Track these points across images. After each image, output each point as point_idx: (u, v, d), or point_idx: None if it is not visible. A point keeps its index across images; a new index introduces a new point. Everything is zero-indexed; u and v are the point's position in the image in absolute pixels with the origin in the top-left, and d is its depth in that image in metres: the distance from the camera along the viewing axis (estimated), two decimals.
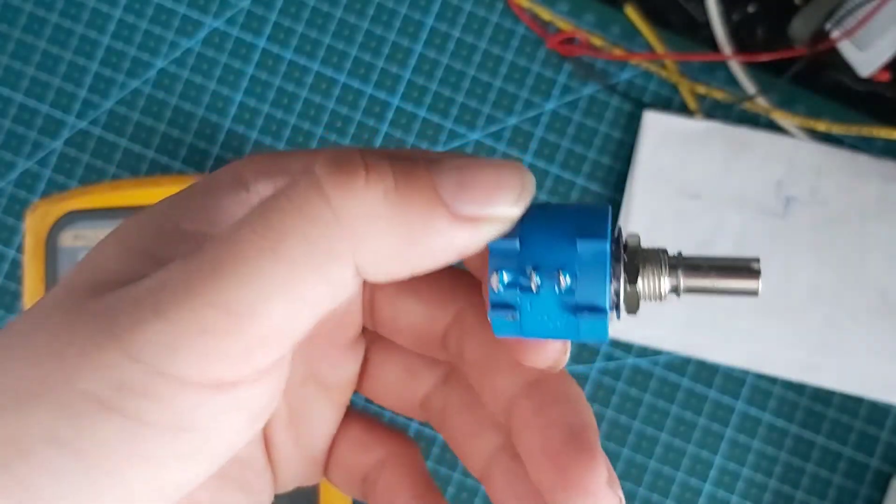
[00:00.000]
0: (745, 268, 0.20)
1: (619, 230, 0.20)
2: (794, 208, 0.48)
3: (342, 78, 0.49)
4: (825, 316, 0.47)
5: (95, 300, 0.19)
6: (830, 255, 0.47)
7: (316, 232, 0.18)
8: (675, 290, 0.20)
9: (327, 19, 0.49)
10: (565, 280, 0.19)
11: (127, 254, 0.20)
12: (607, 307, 0.19)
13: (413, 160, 0.19)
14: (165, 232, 0.20)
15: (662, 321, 0.47)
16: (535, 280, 0.19)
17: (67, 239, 0.43)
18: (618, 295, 0.19)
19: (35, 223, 0.43)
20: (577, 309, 0.19)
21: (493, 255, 0.19)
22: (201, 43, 0.49)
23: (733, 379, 0.48)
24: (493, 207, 0.19)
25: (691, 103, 0.49)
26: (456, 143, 0.49)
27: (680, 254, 0.20)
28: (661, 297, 0.20)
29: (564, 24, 0.49)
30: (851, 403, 0.48)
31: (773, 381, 0.48)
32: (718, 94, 0.48)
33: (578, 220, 0.19)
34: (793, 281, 0.47)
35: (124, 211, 0.44)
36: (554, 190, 0.49)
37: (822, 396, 0.48)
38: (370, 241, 0.18)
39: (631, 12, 0.49)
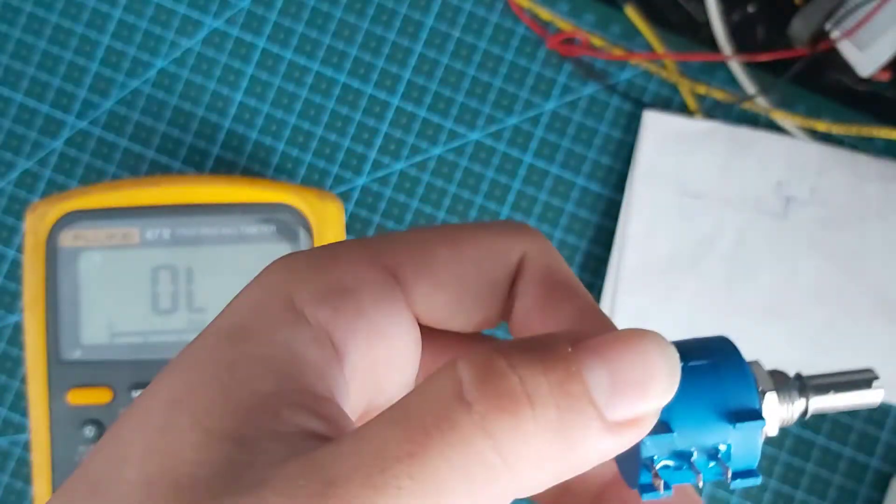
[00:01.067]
0: (864, 382, 0.20)
1: (751, 370, 0.20)
2: (794, 208, 0.48)
3: (342, 78, 0.49)
4: (825, 316, 0.47)
5: None
6: (830, 255, 0.47)
7: (482, 479, 0.16)
8: (803, 414, 0.20)
9: (327, 19, 0.49)
10: (722, 462, 0.19)
11: (209, 440, 0.17)
12: (757, 469, 0.19)
13: (562, 359, 0.17)
14: (244, 405, 0.17)
15: (663, 321, 0.47)
16: (694, 464, 0.19)
17: (67, 239, 0.43)
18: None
19: (35, 223, 0.43)
20: (733, 475, 0.19)
21: (647, 446, 0.19)
22: (201, 43, 0.49)
23: None
24: (649, 403, 0.17)
25: (691, 103, 0.49)
26: (456, 143, 0.49)
27: (799, 376, 0.20)
28: (791, 423, 0.20)
29: (564, 24, 0.49)
30: None
31: None
32: (718, 94, 0.48)
33: (725, 389, 0.19)
34: (793, 281, 0.47)
35: (124, 211, 0.44)
36: (554, 190, 0.49)
37: None
38: (533, 472, 0.17)
39: (631, 12, 0.49)
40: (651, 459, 0.19)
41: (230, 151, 0.49)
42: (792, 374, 0.21)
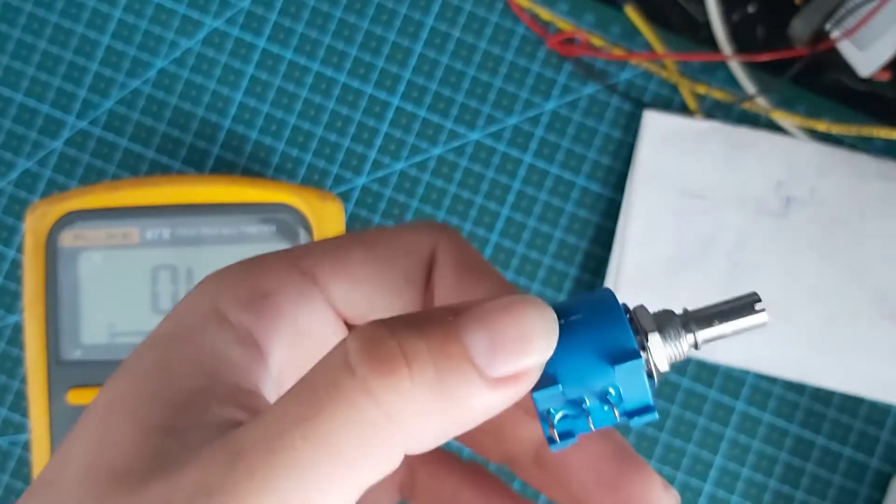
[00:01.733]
0: (748, 306, 0.21)
1: (627, 309, 0.21)
2: (794, 208, 0.48)
3: (342, 78, 0.49)
4: (825, 316, 0.47)
5: (126, 497, 0.18)
6: (830, 255, 0.47)
7: (369, 434, 0.18)
8: (694, 345, 0.21)
9: (327, 19, 0.49)
10: (613, 403, 0.20)
11: (141, 433, 0.19)
12: (652, 403, 0.20)
13: (444, 327, 0.19)
14: (174, 401, 0.20)
15: None
16: (587, 410, 0.20)
17: (67, 239, 0.43)
18: (651, 375, 0.21)
19: (35, 223, 0.43)
20: (628, 414, 0.20)
21: (538, 400, 0.20)
22: (201, 43, 0.49)
23: (733, 379, 0.48)
24: (527, 359, 0.19)
25: (691, 103, 0.49)
26: (456, 143, 0.49)
27: (685, 311, 0.21)
28: (683, 357, 0.21)
29: (564, 24, 0.49)
30: (851, 403, 0.48)
31: (773, 381, 0.48)
32: (718, 94, 0.48)
33: (603, 337, 0.20)
34: (793, 281, 0.47)
35: (124, 211, 0.44)
36: (554, 190, 0.49)
37: (822, 396, 0.48)
38: (420, 428, 0.19)
39: (631, 12, 0.49)
40: (547, 412, 0.20)
41: (230, 151, 0.49)
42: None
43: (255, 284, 0.22)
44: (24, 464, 0.48)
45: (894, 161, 0.48)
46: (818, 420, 0.48)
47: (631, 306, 0.21)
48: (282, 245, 0.44)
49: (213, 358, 0.20)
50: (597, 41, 0.49)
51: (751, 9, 0.49)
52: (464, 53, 0.49)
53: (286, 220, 0.44)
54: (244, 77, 0.49)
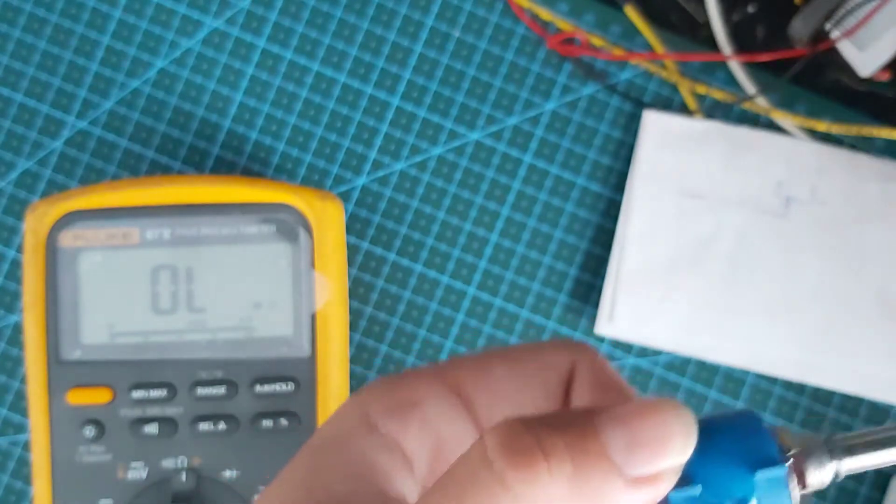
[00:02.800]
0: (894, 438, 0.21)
1: (772, 428, 0.21)
2: (794, 208, 0.48)
3: (342, 78, 0.49)
4: (825, 316, 0.47)
5: None
6: (830, 255, 0.47)
7: None
8: (836, 475, 0.21)
9: (327, 19, 0.49)
10: None
11: None
12: None
13: (582, 426, 0.19)
14: (322, 502, 0.21)
15: (662, 321, 0.47)
16: None
17: (67, 239, 0.43)
18: (792, 495, 0.20)
19: (35, 223, 0.43)
20: None
21: (674, 500, 0.20)
22: (201, 43, 0.49)
23: (733, 379, 0.48)
24: (666, 462, 0.19)
25: (691, 103, 0.49)
26: (456, 143, 0.49)
27: (829, 437, 0.21)
28: (824, 486, 0.21)
29: (564, 24, 0.49)
30: (851, 403, 0.48)
31: (773, 381, 0.48)
32: (718, 94, 0.48)
33: (745, 445, 0.20)
34: (793, 281, 0.47)
35: (124, 211, 0.44)
36: (554, 190, 0.49)
37: (822, 396, 0.48)
38: None
39: (631, 12, 0.49)
40: None
41: (230, 151, 0.49)
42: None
43: (402, 395, 0.23)
44: (24, 464, 0.48)
45: (894, 161, 0.48)
46: (818, 420, 0.48)
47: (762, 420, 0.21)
48: (282, 245, 0.44)
49: (362, 464, 0.21)
50: (597, 41, 0.49)
51: (751, 9, 0.49)
52: (464, 53, 0.49)
53: (286, 220, 0.44)
54: (244, 77, 0.49)
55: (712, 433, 0.20)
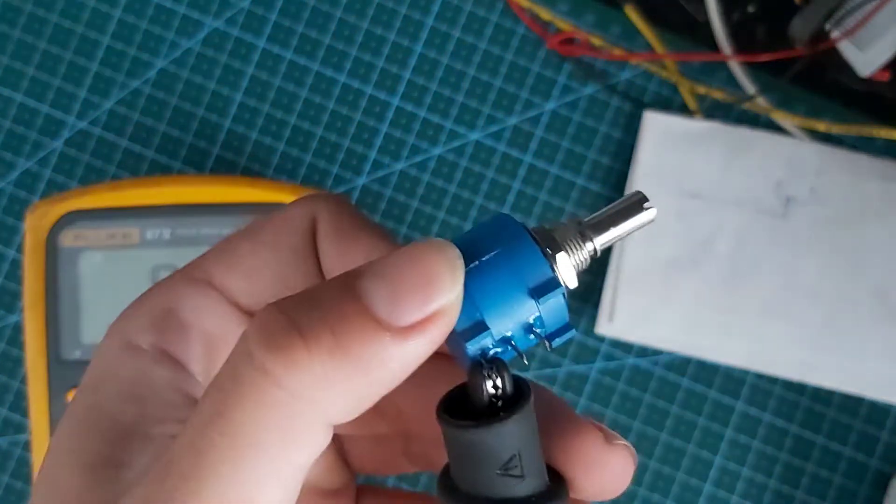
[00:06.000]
0: (636, 205, 0.21)
1: (527, 230, 0.21)
2: (794, 208, 0.48)
3: (342, 78, 0.49)
4: (825, 316, 0.47)
5: None
6: (830, 255, 0.47)
7: (281, 416, 0.18)
8: (594, 252, 0.21)
9: (327, 19, 0.49)
10: (539, 334, 0.20)
11: (84, 472, 0.20)
12: (570, 322, 0.21)
13: (339, 289, 0.18)
14: (112, 435, 0.20)
15: (662, 321, 0.47)
16: (513, 341, 0.20)
17: (67, 239, 0.43)
18: (565, 293, 0.21)
19: (35, 223, 0.43)
20: (549, 337, 0.20)
21: (470, 348, 0.20)
22: (201, 43, 0.49)
23: (733, 379, 0.48)
24: (435, 301, 0.18)
25: (691, 103, 0.49)
26: (456, 143, 0.49)
27: (580, 221, 0.21)
28: (585, 266, 0.21)
29: (564, 24, 0.49)
30: (851, 403, 0.48)
31: (773, 381, 0.48)
32: (718, 94, 0.48)
33: (519, 270, 0.20)
34: (793, 281, 0.47)
35: (124, 211, 0.44)
36: (554, 190, 0.49)
37: (822, 396, 0.48)
38: (332, 398, 0.18)
39: (631, 12, 0.49)
40: (479, 356, 0.20)
41: (230, 151, 0.49)
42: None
43: (154, 306, 0.22)
44: (24, 464, 0.48)
45: (894, 161, 0.48)
46: (818, 420, 0.48)
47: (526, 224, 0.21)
48: None
49: (138, 385, 0.21)
50: (597, 41, 0.49)
51: (751, 9, 0.49)
52: (464, 53, 0.49)
53: None
54: (244, 77, 0.49)
55: (484, 263, 0.20)
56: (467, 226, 0.49)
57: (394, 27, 0.49)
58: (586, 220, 0.21)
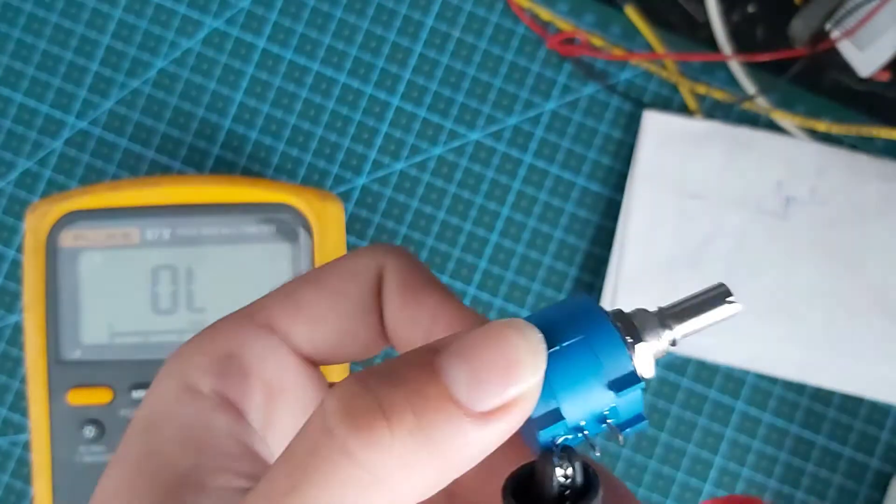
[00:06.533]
0: (719, 297, 0.21)
1: (609, 316, 0.21)
2: (794, 208, 0.48)
3: (342, 78, 0.49)
4: (825, 316, 0.47)
5: None
6: (830, 255, 0.47)
7: (357, 495, 0.17)
8: (673, 342, 0.21)
9: (327, 19, 0.49)
10: (612, 425, 0.20)
11: None
12: (643, 413, 0.20)
13: (420, 370, 0.18)
14: (168, 484, 0.20)
15: None
16: (585, 430, 0.20)
17: (67, 239, 0.43)
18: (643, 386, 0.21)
19: (35, 223, 0.43)
20: (621, 426, 0.20)
21: (542, 435, 0.19)
22: (201, 43, 0.49)
23: (733, 379, 0.48)
24: (515, 387, 0.18)
25: (691, 103, 0.49)
26: (456, 143, 0.49)
27: (660, 309, 0.21)
28: (662, 356, 0.21)
29: (564, 24, 0.49)
30: (851, 403, 0.48)
31: (773, 381, 0.48)
32: (718, 94, 0.48)
33: (599, 359, 0.20)
34: (793, 281, 0.47)
35: (124, 211, 0.44)
36: (554, 190, 0.49)
37: (822, 396, 0.48)
38: (408, 479, 0.18)
39: (631, 12, 0.49)
40: (550, 443, 0.19)
41: (230, 151, 0.49)
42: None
43: (216, 349, 0.21)
44: (24, 464, 0.48)
45: (894, 161, 0.48)
46: (818, 420, 0.48)
47: (608, 307, 0.21)
48: (282, 245, 0.44)
49: (196, 432, 0.20)
50: (597, 41, 0.49)
51: (751, 9, 0.49)
52: (464, 53, 0.49)
53: (286, 220, 0.44)
54: (244, 77, 0.49)
55: (563, 349, 0.19)
56: (467, 226, 0.49)
57: (394, 27, 0.49)
58: (667, 308, 0.21)
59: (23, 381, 0.48)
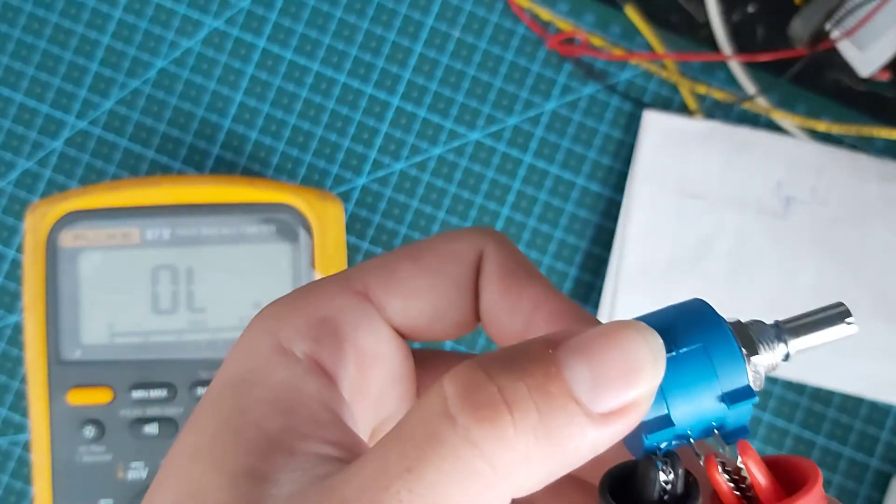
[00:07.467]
0: (838, 317, 0.21)
1: (729, 326, 0.21)
2: (794, 208, 0.48)
3: (342, 78, 0.49)
4: None
5: None
6: (830, 255, 0.47)
7: (477, 485, 0.17)
8: (786, 357, 0.21)
9: (327, 19, 0.49)
10: (719, 437, 0.20)
11: (228, 480, 0.19)
12: (748, 426, 0.20)
13: (543, 364, 0.18)
14: (257, 444, 0.19)
15: None
16: (690, 437, 0.20)
17: (67, 239, 0.43)
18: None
19: (35, 223, 0.43)
20: (727, 436, 0.20)
21: (649, 440, 0.19)
22: (201, 43, 0.49)
23: None
24: (635, 390, 0.18)
25: (691, 103, 0.49)
26: (456, 143, 0.49)
27: (777, 323, 0.21)
28: (774, 370, 0.21)
29: (564, 24, 0.49)
30: (851, 403, 0.48)
31: (773, 381, 0.48)
32: (718, 94, 0.48)
33: (717, 373, 0.20)
34: (793, 281, 0.47)
35: (124, 211, 0.44)
36: (554, 190, 0.49)
37: (822, 396, 0.48)
38: (526, 474, 0.18)
39: (631, 12, 0.49)
40: (654, 447, 0.19)
41: (230, 151, 0.49)
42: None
43: (311, 312, 0.21)
44: (24, 464, 0.48)
45: (894, 161, 0.48)
46: (818, 420, 0.48)
47: (726, 318, 0.21)
48: (282, 245, 0.44)
49: (288, 394, 0.20)
50: (597, 41, 0.49)
51: (751, 9, 0.49)
52: (464, 53, 0.49)
53: (286, 220, 0.44)
54: (244, 77, 0.49)
55: (683, 357, 0.19)
56: (467, 225, 0.49)
57: (394, 27, 0.49)
58: (784, 322, 0.21)
59: (23, 381, 0.48)
